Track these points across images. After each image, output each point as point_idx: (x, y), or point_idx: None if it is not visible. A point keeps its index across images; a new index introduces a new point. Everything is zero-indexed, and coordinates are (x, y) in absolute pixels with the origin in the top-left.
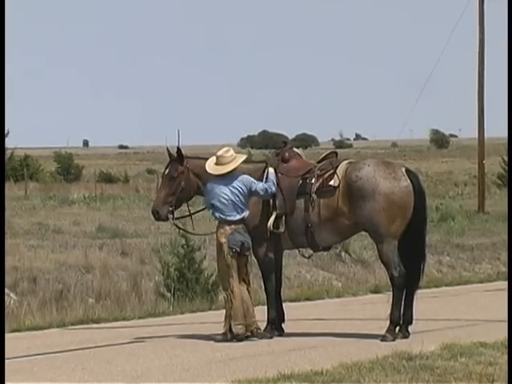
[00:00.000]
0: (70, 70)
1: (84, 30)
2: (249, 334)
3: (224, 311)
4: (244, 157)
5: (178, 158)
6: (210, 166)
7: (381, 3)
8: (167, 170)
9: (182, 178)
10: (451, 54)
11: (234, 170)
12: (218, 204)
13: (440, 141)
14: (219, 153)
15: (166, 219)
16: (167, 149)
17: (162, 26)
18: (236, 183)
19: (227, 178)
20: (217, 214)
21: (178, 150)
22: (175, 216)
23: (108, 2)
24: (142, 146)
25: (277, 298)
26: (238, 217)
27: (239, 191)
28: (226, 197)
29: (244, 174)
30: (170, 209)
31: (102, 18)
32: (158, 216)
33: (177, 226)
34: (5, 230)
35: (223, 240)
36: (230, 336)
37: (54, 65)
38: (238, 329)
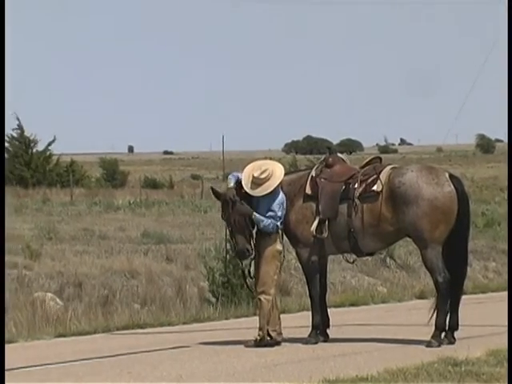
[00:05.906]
0: (115, 77)
1: (134, 36)
2: (280, 339)
3: (259, 317)
4: (281, 178)
5: (236, 195)
6: (249, 186)
7: (429, 12)
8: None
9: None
10: (496, 59)
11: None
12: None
13: (486, 146)
14: (256, 174)
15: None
16: (212, 188)
17: (208, 33)
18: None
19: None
20: (277, 224)
21: (237, 187)
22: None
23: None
24: (187, 151)
25: (321, 304)
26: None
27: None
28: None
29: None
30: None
31: (149, 23)
32: (248, 254)
33: (243, 272)
34: (5, 231)
35: (280, 247)
36: (265, 342)
37: (100, 72)
38: (275, 335)
